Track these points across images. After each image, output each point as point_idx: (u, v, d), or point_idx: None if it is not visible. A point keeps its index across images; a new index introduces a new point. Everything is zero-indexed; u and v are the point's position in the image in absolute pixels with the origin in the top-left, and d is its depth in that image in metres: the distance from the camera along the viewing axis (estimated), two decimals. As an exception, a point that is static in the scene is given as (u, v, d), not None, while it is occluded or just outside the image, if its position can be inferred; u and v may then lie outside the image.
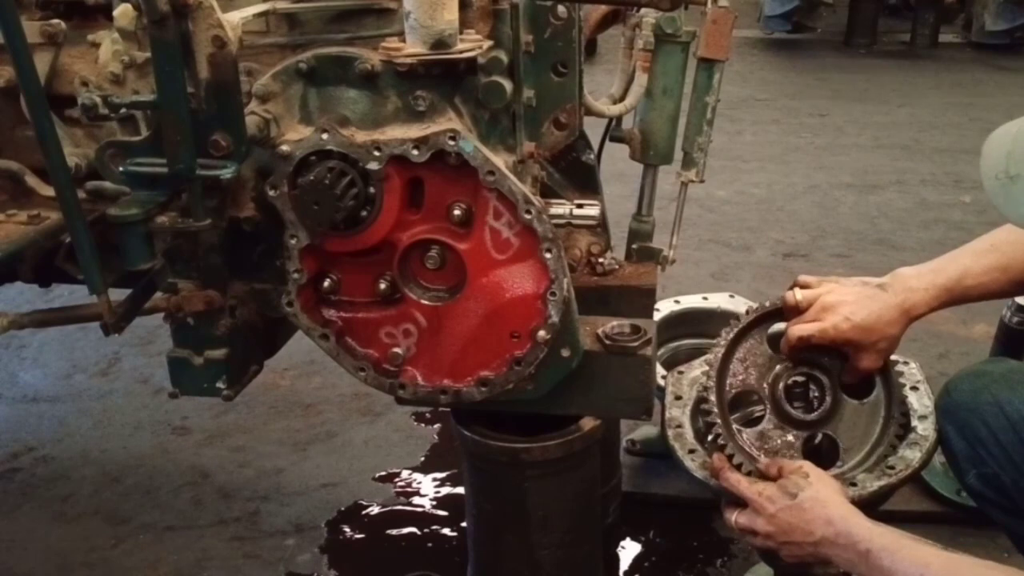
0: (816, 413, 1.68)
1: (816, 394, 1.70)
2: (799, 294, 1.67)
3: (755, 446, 1.68)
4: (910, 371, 1.89)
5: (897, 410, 1.67)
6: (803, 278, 1.71)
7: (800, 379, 1.71)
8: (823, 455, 1.70)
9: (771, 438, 1.68)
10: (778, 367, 1.72)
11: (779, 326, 1.75)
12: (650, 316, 1.91)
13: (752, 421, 1.73)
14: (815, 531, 1.45)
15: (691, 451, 1.76)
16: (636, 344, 1.53)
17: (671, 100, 1.94)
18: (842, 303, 1.61)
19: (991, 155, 1.32)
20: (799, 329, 1.64)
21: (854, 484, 1.65)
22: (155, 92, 1.34)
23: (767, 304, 1.75)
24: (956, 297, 1.62)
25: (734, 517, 1.58)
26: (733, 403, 1.77)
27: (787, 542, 1.49)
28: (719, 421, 1.67)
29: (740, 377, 1.74)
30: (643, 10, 1.83)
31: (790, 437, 1.69)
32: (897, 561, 1.35)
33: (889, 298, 1.61)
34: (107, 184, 1.52)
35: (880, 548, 1.37)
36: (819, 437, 1.72)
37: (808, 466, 1.56)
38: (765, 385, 1.72)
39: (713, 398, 1.68)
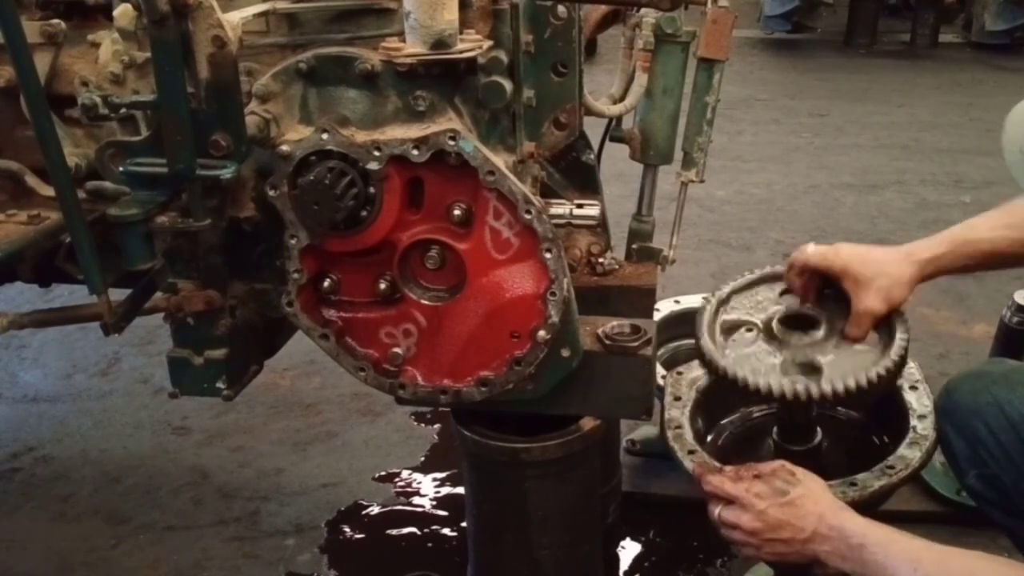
0: (806, 338, 1.62)
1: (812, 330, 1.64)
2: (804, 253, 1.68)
3: (740, 367, 1.60)
4: (909, 371, 1.89)
5: (891, 360, 1.56)
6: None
7: (798, 314, 1.66)
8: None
9: (756, 352, 1.64)
10: (779, 305, 1.70)
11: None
12: (650, 316, 1.91)
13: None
14: (807, 527, 1.44)
15: (691, 452, 1.76)
16: (636, 344, 1.53)
17: (671, 100, 1.94)
18: (843, 244, 1.65)
19: (1013, 129, 1.34)
20: (800, 254, 1.65)
21: (854, 484, 1.64)
22: (155, 92, 1.34)
23: (776, 267, 1.75)
24: (960, 248, 1.59)
25: (718, 511, 1.57)
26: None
27: (774, 539, 1.48)
28: (707, 342, 1.63)
29: (737, 314, 1.71)
30: (643, 10, 1.83)
31: (775, 359, 1.62)
32: (890, 556, 1.35)
33: (896, 250, 1.63)
34: (107, 184, 1.52)
35: (873, 543, 1.37)
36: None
37: (789, 465, 1.55)
38: (760, 320, 1.68)
39: (705, 321, 1.65)
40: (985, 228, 1.59)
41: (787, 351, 1.62)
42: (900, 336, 1.57)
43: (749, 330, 1.68)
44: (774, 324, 1.65)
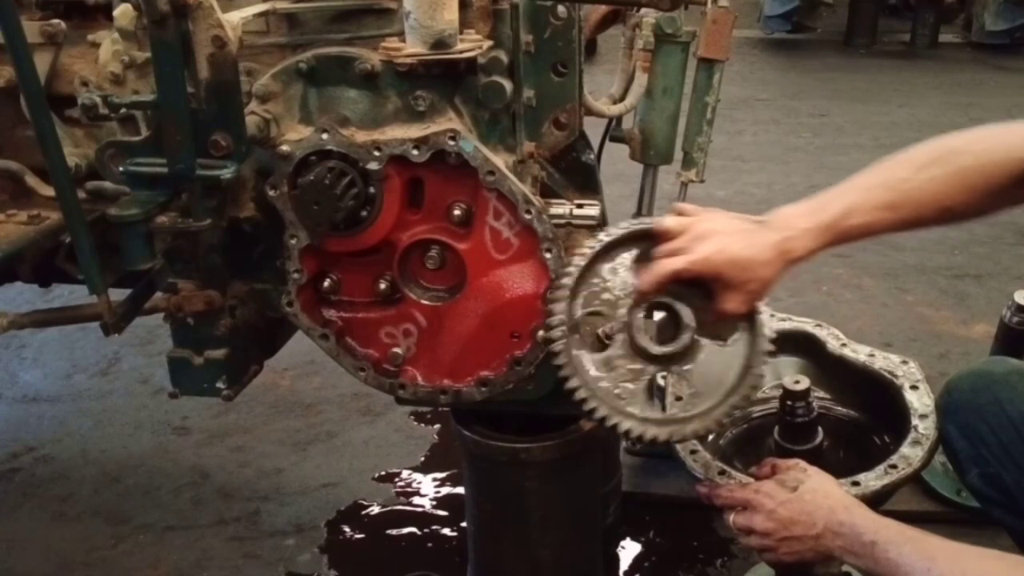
0: (669, 347, 1.46)
1: (673, 329, 1.48)
2: (673, 220, 1.46)
3: (600, 370, 1.46)
4: (909, 370, 1.90)
5: (758, 362, 1.46)
6: (681, 206, 1.50)
7: (659, 310, 1.48)
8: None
9: (617, 366, 1.47)
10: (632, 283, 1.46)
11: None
12: (650, 316, 1.91)
13: (603, 347, 1.47)
14: (817, 522, 1.44)
15: (693, 451, 1.76)
16: (636, 344, 1.53)
17: (671, 100, 1.94)
18: (716, 232, 1.42)
19: None
20: (669, 264, 1.43)
21: (857, 483, 1.65)
22: (155, 92, 1.34)
23: (639, 224, 1.49)
24: (838, 236, 1.44)
25: (732, 517, 1.57)
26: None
27: (787, 537, 1.48)
28: (561, 336, 1.43)
29: (598, 297, 1.48)
30: (643, 10, 1.83)
31: (637, 366, 1.47)
32: (903, 554, 1.34)
33: (768, 235, 1.42)
34: (107, 184, 1.52)
35: (886, 540, 1.36)
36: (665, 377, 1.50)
37: (803, 463, 1.56)
38: (621, 311, 1.47)
39: (559, 308, 1.43)
40: (865, 209, 1.42)
41: (650, 366, 1.47)
42: (764, 333, 1.47)
43: (608, 337, 1.48)
44: (635, 331, 1.46)
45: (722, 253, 1.40)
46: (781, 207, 1.48)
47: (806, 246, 1.42)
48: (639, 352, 1.46)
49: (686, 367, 1.47)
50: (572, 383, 1.40)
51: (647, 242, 1.48)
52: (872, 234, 1.46)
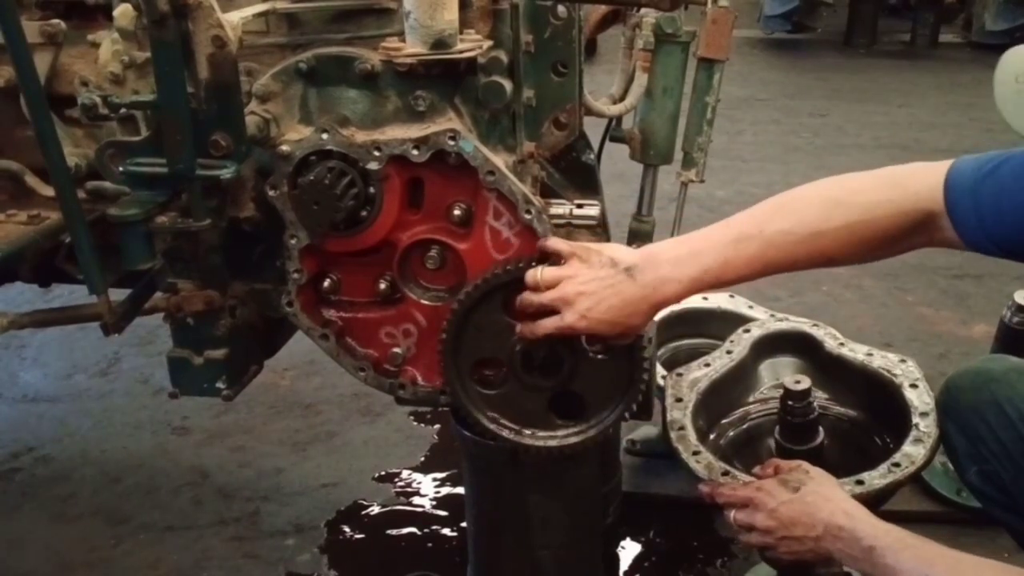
0: (556, 380, 1.51)
1: (557, 358, 1.51)
2: (540, 274, 1.44)
3: (498, 410, 1.52)
4: (908, 369, 1.90)
5: (639, 375, 1.50)
6: (552, 243, 1.45)
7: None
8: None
9: (515, 401, 1.53)
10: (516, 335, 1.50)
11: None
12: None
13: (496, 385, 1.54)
14: (818, 524, 1.44)
15: (695, 453, 1.77)
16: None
17: (671, 100, 1.94)
18: (581, 295, 1.40)
19: (1008, 64, 1.29)
20: (539, 328, 1.44)
21: (861, 482, 1.65)
22: (155, 92, 1.34)
23: (506, 270, 1.46)
24: (709, 286, 1.46)
25: (733, 513, 1.58)
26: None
27: (787, 537, 1.48)
28: (459, 388, 1.50)
29: (477, 345, 1.51)
30: (643, 10, 1.83)
31: (533, 399, 1.53)
32: (901, 560, 1.34)
33: (636, 290, 1.40)
34: (107, 184, 1.52)
35: (884, 546, 1.36)
36: None
37: (806, 464, 1.56)
38: (504, 352, 1.51)
39: (451, 365, 1.49)
40: (739, 264, 1.41)
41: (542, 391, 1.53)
42: (644, 347, 1.50)
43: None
44: (520, 371, 1.51)
45: (585, 319, 1.40)
46: (654, 246, 1.47)
47: (677, 296, 1.43)
48: (528, 386, 1.52)
49: (576, 386, 1.52)
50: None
51: (514, 287, 1.47)
52: (745, 281, 1.47)
